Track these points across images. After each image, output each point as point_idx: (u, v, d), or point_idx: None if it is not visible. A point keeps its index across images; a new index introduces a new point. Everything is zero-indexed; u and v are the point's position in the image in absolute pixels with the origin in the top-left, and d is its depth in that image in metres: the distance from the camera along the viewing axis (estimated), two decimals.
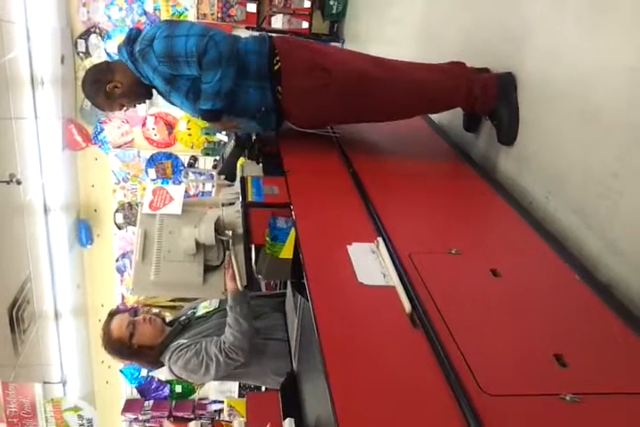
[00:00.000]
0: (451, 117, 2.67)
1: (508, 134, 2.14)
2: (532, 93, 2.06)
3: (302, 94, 2.10)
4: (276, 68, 2.06)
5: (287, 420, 1.42)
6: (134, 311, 2.32)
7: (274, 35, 2.27)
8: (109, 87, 2.11)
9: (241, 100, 2.09)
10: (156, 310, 2.48)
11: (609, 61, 1.67)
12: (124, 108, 2.24)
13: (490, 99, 2.15)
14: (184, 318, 2.33)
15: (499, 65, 2.24)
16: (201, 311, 2.34)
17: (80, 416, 1.30)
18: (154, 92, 2.21)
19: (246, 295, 2.17)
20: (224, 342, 2.08)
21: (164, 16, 5.12)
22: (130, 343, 2.20)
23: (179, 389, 5.68)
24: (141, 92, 2.18)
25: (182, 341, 2.16)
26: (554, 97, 1.93)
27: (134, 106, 2.27)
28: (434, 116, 2.81)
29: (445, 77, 2.19)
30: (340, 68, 2.09)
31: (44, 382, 1.32)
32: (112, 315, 2.32)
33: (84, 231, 5.59)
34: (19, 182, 3.58)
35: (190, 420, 1.76)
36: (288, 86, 2.08)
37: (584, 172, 1.76)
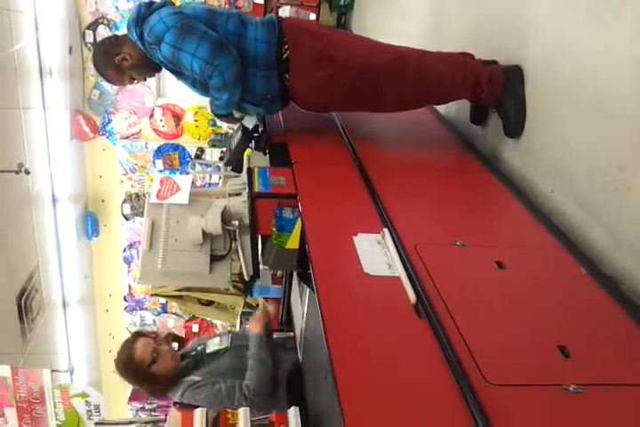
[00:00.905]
0: (457, 110, 2.66)
1: (514, 127, 2.14)
2: (539, 87, 2.05)
3: (309, 84, 2.10)
4: (285, 56, 2.05)
5: (292, 409, 1.43)
6: (156, 337, 2.27)
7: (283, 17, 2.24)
8: (118, 59, 2.10)
9: (247, 87, 2.07)
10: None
11: (616, 54, 1.66)
12: (135, 82, 2.22)
13: (496, 90, 2.14)
14: (195, 353, 2.29)
15: (505, 58, 2.22)
16: (211, 348, 2.29)
17: (87, 402, 1.32)
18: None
19: (269, 338, 2.16)
20: (247, 386, 2.01)
21: None
22: (148, 369, 2.15)
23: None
24: (150, 64, 2.14)
25: (195, 378, 2.12)
26: (560, 90, 1.92)
27: (145, 79, 2.23)
28: (440, 109, 2.80)
29: (453, 68, 2.18)
30: (346, 58, 2.08)
31: (52, 371, 1.33)
32: (137, 336, 2.29)
33: (90, 223, 5.62)
34: (27, 172, 3.59)
35: (196, 407, 1.77)
36: (295, 76, 2.08)
37: (590, 164, 1.75)
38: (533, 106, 2.08)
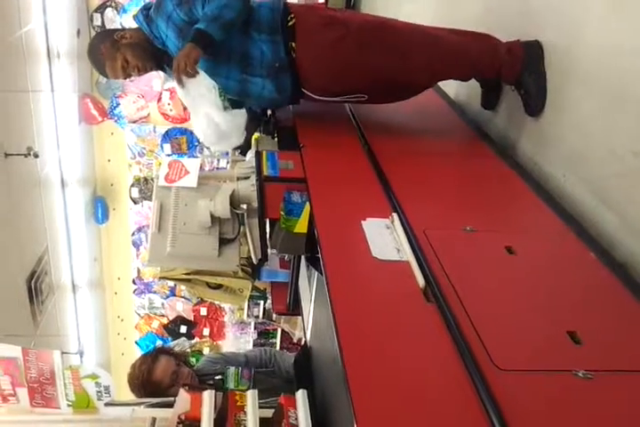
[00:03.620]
0: (468, 94, 2.63)
1: (535, 104, 2.08)
2: (554, 71, 2.02)
3: (319, 49, 2.03)
4: (291, 23, 2.02)
5: (300, 391, 1.43)
6: (177, 358, 2.21)
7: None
8: (117, 35, 2.07)
9: (254, 55, 2.02)
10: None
11: (634, 41, 1.63)
12: (127, 73, 2.07)
13: (516, 64, 2.08)
14: (213, 383, 2.08)
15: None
16: (231, 383, 2.06)
17: (97, 384, 1.33)
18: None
19: None
20: None
21: None
22: (164, 390, 2.07)
23: (193, 361, 5.78)
24: (149, 50, 2.07)
25: None
26: (576, 76, 1.89)
27: (137, 71, 2.07)
28: (451, 94, 2.77)
29: (469, 39, 2.14)
30: (356, 21, 2.06)
31: (62, 353, 1.34)
32: (160, 353, 2.21)
33: (100, 208, 5.63)
34: (36, 155, 3.59)
35: (204, 389, 1.76)
36: (303, 43, 2.03)
37: (604, 150, 1.73)
38: (549, 89, 2.05)
